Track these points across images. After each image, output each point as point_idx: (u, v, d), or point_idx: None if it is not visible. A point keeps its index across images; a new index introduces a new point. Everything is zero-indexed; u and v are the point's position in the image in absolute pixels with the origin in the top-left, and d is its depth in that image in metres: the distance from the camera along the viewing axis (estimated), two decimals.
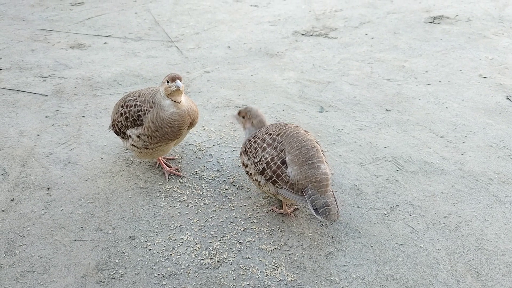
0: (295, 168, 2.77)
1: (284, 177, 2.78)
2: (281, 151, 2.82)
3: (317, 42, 5.74)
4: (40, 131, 4.04)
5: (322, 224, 2.98)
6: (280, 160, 2.80)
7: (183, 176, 3.41)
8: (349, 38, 5.81)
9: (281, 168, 2.78)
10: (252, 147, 2.94)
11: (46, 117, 4.26)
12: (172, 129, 3.14)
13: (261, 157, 2.86)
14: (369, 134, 3.91)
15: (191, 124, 3.29)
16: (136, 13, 6.84)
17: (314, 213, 2.68)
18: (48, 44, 5.84)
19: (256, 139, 2.95)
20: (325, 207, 2.67)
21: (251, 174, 2.96)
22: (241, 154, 3.07)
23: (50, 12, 6.95)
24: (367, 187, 3.30)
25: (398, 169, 3.48)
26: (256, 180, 2.94)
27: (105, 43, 5.87)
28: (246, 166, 2.99)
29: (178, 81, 3.02)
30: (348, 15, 6.47)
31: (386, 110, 4.26)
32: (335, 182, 3.35)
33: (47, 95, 4.62)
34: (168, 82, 3.05)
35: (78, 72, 5.09)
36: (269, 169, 2.81)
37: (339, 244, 2.85)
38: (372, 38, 5.78)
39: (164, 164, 3.47)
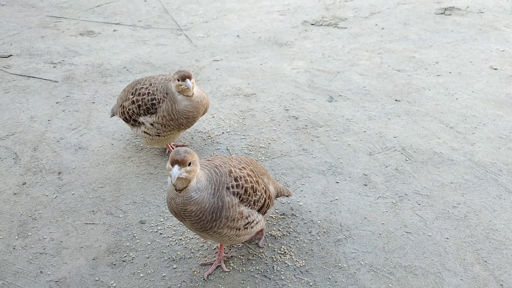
0: (273, 186, 2.74)
1: (273, 197, 2.71)
2: (259, 177, 2.61)
3: (326, 32, 5.71)
4: (51, 116, 4.07)
5: (331, 212, 3.00)
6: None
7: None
8: (359, 28, 5.79)
9: (268, 192, 2.64)
10: (247, 188, 2.43)
11: (57, 103, 4.28)
12: (188, 120, 3.24)
13: (262, 192, 2.56)
14: (378, 124, 3.91)
15: (203, 113, 3.33)
16: (145, 1, 6.84)
17: (286, 196, 2.91)
18: (58, 31, 5.85)
19: (242, 180, 2.42)
20: (286, 190, 2.90)
21: (248, 218, 2.48)
22: (232, 208, 2.35)
23: None
24: (376, 176, 3.31)
25: (407, 159, 3.49)
26: (253, 221, 2.50)
27: (114, 30, 5.88)
28: (242, 214, 2.41)
29: (188, 80, 3.04)
30: (358, 5, 6.43)
31: (396, 100, 4.25)
32: (343, 171, 3.36)
33: (57, 81, 4.65)
34: (178, 80, 3.08)
35: (88, 59, 5.11)
36: (267, 197, 2.62)
37: (348, 232, 2.86)
38: (382, 28, 5.75)
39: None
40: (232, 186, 2.36)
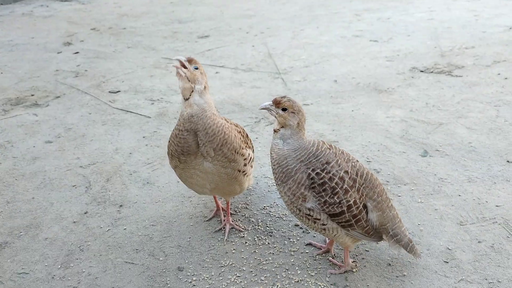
0: (378, 214, 2.46)
1: (364, 222, 2.43)
2: (363, 195, 2.42)
3: (436, 79, 5.10)
4: (133, 149, 4.18)
5: (390, 285, 2.45)
6: (362, 204, 2.41)
7: (243, 231, 3.01)
8: (476, 77, 5.06)
9: (362, 213, 2.42)
10: (326, 184, 2.39)
11: (143, 137, 4.41)
12: (180, 146, 2.59)
13: (342, 199, 2.43)
14: (479, 188, 3.22)
15: (218, 146, 2.58)
16: (253, 46, 6.96)
17: (405, 251, 2.51)
18: (166, 71, 6.20)
19: (329, 175, 2.39)
20: (411, 244, 2.50)
21: (311, 210, 2.46)
22: (298, 184, 2.38)
23: (178, 43, 7.45)
24: (462, 253, 2.66)
25: (509, 235, 2.76)
26: (317, 219, 2.44)
27: (217, 72, 6.02)
28: (305, 199, 2.40)
29: (185, 62, 2.53)
30: (480, 53, 5.69)
31: (507, 161, 3.50)
32: (422, 241, 2.77)
33: (150, 117, 4.83)
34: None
35: None
36: (350, 213, 2.42)
37: None
38: (506, 78, 4.95)
39: (223, 214, 3.12)
40: (313, 170, 2.36)
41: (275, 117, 2.44)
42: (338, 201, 2.41)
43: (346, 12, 8.19)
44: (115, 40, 7.93)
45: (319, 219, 2.42)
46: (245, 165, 2.74)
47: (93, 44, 7.80)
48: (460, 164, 3.54)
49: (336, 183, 2.40)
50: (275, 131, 2.47)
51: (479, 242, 2.74)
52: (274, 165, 2.47)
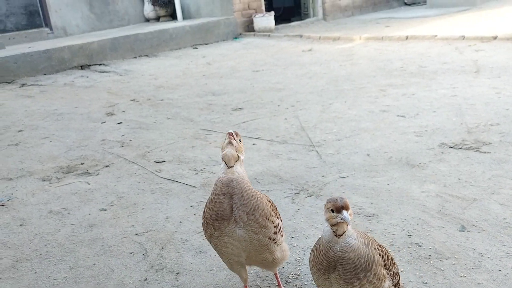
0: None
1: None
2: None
3: (466, 155, 5.38)
4: (183, 218, 4.47)
5: None
6: None
7: None
8: (504, 154, 5.33)
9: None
10: (388, 257, 2.57)
11: (191, 206, 4.72)
12: (214, 214, 2.85)
13: (397, 269, 2.69)
14: None
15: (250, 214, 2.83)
16: (285, 119, 7.39)
17: None
18: (206, 142, 6.62)
19: (382, 248, 2.59)
20: None
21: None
22: (379, 266, 2.44)
23: (214, 115, 7.95)
24: None
25: None
26: None
27: (253, 144, 6.41)
28: (385, 278, 2.50)
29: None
30: (506, 130, 5.99)
31: None
32: None
33: (195, 187, 5.16)
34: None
35: None
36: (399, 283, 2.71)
37: None
38: None
39: None
40: (377, 249, 2.49)
41: (348, 222, 2.36)
42: (397, 268, 2.68)
43: (371, 87, 8.67)
44: (155, 111, 8.48)
45: None
46: (275, 233, 2.95)
47: (134, 115, 8.36)
48: (497, 239, 3.72)
49: (387, 252, 2.64)
50: (340, 236, 2.41)
51: None
52: (348, 265, 2.40)
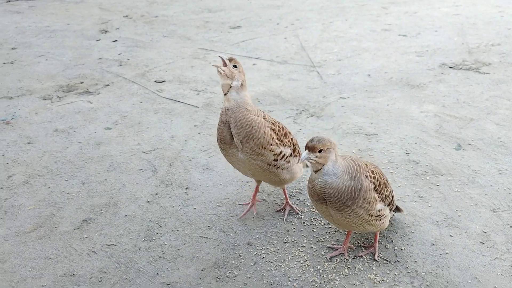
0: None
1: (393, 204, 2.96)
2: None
3: (465, 76, 5.44)
4: (188, 137, 4.59)
5: (438, 266, 2.86)
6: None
7: (299, 213, 3.40)
8: (503, 74, 5.39)
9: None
10: (380, 183, 2.74)
11: (195, 126, 4.81)
12: (220, 134, 3.03)
13: (389, 187, 2.88)
14: (509, 179, 3.60)
15: (246, 140, 2.93)
16: (285, 38, 7.28)
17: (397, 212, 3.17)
18: (206, 62, 6.56)
19: (374, 174, 2.73)
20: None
21: (380, 210, 2.77)
22: (369, 191, 2.62)
23: (212, 33, 7.79)
24: (496, 236, 3.06)
25: None
26: (383, 214, 2.77)
27: (253, 64, 6.38)
28: (376, 201, 2.69)
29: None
30: (506, 50, 5.99)
31: None
32: (460, 225, 3.17)
33: (198, 107, 5.22)
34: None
35: None
36: (393, 201, 2.94)
37: None
38: None
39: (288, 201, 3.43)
40: (368, 176, 2.66)
41: (316, 161, 2.52)
42: (389, 191, 2.86)
43: (373, 4, 8.46)
44: (150, 29, 8.27)
45: (384, 214, 2.77)
46: (275, 160, 3.03)
47: (129, 32, 8.15)
48: (491, 157, 3.91)
49: (382, 178, 2.80)
50: (316, 171, 2.57)
51: (510, 226, 3.13)
52: (332, 198, 2.58)
